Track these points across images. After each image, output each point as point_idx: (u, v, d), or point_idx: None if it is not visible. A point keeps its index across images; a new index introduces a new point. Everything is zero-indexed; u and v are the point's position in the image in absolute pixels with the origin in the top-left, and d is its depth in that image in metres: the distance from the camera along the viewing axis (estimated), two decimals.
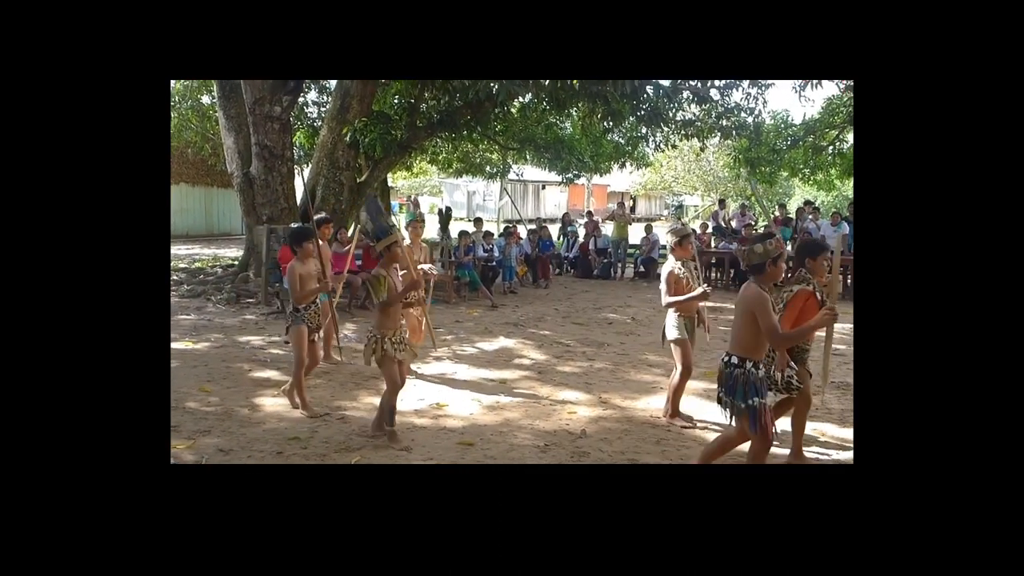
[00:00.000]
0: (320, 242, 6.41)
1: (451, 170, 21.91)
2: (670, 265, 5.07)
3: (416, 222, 7.17)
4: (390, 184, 21.04)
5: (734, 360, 3.45)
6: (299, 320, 5.07)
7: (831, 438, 4.86)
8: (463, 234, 11.88)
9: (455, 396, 5.63)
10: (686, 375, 5.05)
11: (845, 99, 17.16)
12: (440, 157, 20.30)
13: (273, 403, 5.28)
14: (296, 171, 16.49)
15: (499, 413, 5.23)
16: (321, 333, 5.38)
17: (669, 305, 5.00)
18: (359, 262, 10.00)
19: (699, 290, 4.95)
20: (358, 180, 11.83)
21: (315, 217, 7.23)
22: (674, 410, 5.14)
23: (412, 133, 12.11)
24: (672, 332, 5.05)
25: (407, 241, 6.29)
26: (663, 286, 5.02)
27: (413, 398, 5.54)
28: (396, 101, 13.28)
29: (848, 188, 27.39)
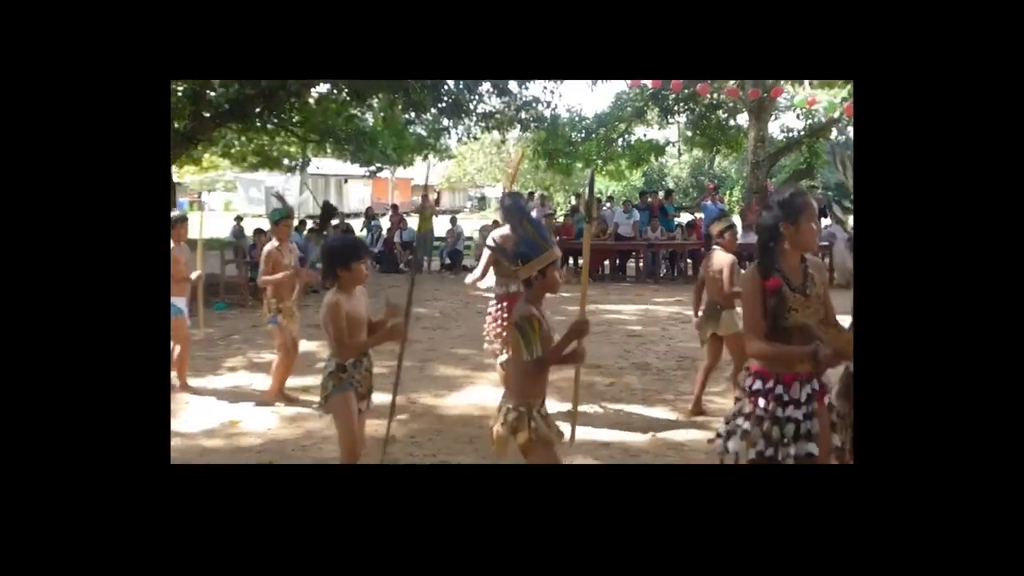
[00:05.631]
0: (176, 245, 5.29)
1: (245, 164, 20.64)
2: (728, 258, 4.91)
3: (288, 219, 5.48)
4: (177, 180, 19.45)
5: None
6: (347, 385, 3.35)
7: (637, 417, 5.04)
8: (259, 232, 11.16)
9: (250, 410, 5.20)
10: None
11: (632, 94, 18.24)
12: (233, 150, 19.03)
13: None
14: None
15: (300, 425, 4.88)
16: (368, 402, 3.60)
17: (734, 295, 4.79)
18: None
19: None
20: None
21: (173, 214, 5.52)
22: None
23: (197, 123, 11.19)
24: (734, 324, 4.91)
25: (276, 243, 5.23)
26: (727, 274, 4.84)
27: (201, 417, 5.03)
28: (179, 89, 12.20)
29: (636, 178, 29.27)
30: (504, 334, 4.95)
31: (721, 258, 4.95)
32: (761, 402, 2.63)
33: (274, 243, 5.27)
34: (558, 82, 15.13)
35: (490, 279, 5.11)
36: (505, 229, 4.92)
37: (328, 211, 5.38)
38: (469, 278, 5.16)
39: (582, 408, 5.13)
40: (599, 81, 16.83)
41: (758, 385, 2.66)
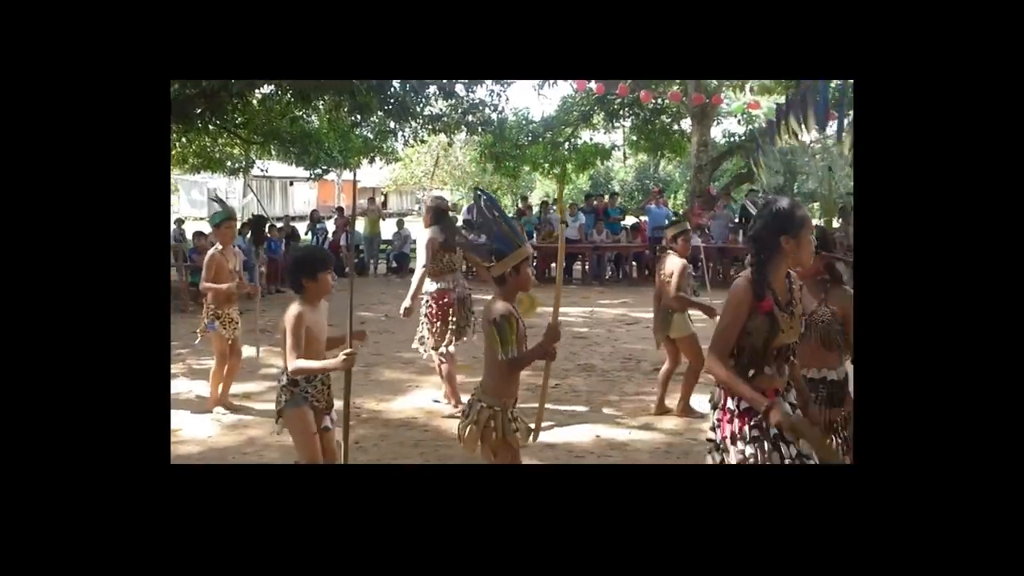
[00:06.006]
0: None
1: (187, 166, 20.16)
2: (679, 262, 5.06)
3: (230, 220, 5.31)
4: None
5: None
6: (299, 399, 3.24)
7: (581, 418, 5.10)
8: (199, 235, 10.93)
9: (190, 418, 5.09)
10: (699, 369, 5.07)
11: (578, 98, 18.42)
12: (173, 151, 18.59)
13: None
14: None
15: (242, 432, 4.80)
16: (334, 416, 3.41)
17: (682, 301, 5.00)
18: None
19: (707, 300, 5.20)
20: None
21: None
22: (685, 405, 5.23)
23: None
24: (686, 327, 5.09)
25: (219, 247, 5.13)
26: (675, 279, 4.98)
27: None
28: None
29: (583, 181, 29.55)
30: (435, 329, 5.13)
31: (673, 262, 5.08)
32: (753, 421, 2.47)
33: (217, 247, 5.16)
34: (504, 85, 15.16)
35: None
36: (432, 231, 5.11)
37: (258, 223, 5.31)
38: (405, 304, 5.20)
39: (526, 407, 5.21)
40: (546, 85, 16.94)
41: (745, 404, 2.48)
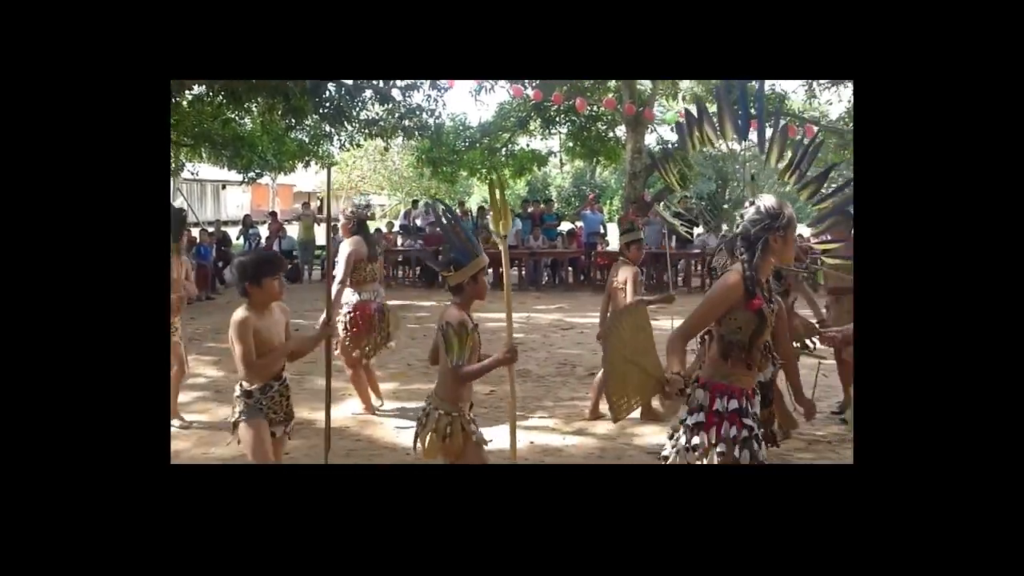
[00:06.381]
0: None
1: None
2: (632, 270, 5.05)
3: (179, 231, 5.27)
4: None
5: None
6: (254, 410, 3.09)
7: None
8: None
9: None
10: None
11: (515, 104, 18.53)
12: None
13: None
14: None
15: None
16: (287, 427, 3.28)
17: (640, 303, 4.96)
18: None
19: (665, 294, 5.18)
20: None
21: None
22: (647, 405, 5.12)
23: None
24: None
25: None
26: (631, 286, 4.96)
27: None
28: None
29: (520, 187, 29.73)
30: (355, 340, 5.15)
31: (625, 270, 5.15)
32: (747, 421, 2.50)
33: None
34: (442, 91, 15.14)
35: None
36: (353, 241, 5.10)
37: (176, 219, 5.17)
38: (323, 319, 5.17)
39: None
40: (483, 91, 16.98)
41: (734, 405, 2.50)
